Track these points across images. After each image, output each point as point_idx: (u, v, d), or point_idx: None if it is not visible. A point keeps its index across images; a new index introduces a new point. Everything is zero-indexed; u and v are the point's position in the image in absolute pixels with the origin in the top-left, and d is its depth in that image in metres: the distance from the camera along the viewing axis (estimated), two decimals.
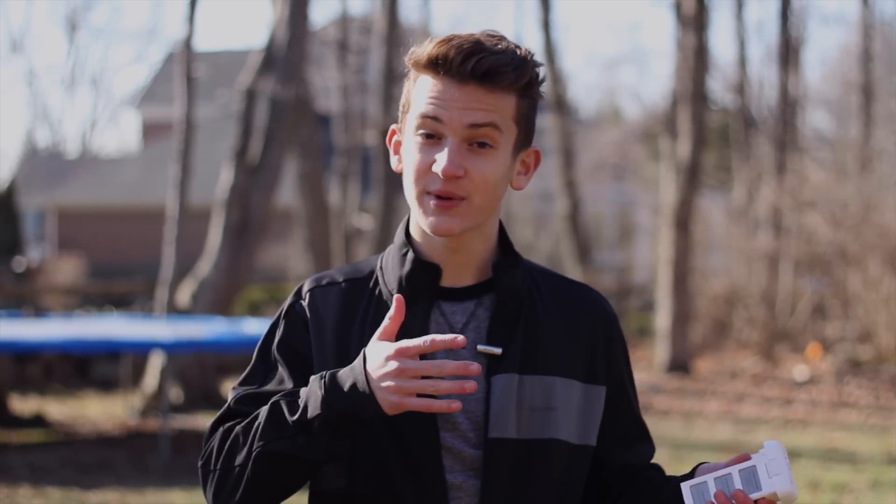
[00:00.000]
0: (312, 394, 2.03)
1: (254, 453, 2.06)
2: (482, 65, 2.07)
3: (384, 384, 1.98)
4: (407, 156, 2.13)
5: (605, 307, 2.28)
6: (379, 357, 1.99)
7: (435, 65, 2.09)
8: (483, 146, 2.09)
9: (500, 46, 2.10)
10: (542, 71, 2.15)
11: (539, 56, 2.17)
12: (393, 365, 1.97)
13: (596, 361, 2.23)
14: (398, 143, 2.20)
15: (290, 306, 2.21)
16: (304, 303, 2.20)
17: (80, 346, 11.52)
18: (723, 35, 56.46)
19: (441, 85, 2.09)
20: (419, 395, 1.99)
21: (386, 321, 2.03)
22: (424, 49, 2.11)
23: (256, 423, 2.08)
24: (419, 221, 2.14)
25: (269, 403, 2.08)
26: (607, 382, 2.24)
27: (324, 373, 2.05)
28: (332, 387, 2.01)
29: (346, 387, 2.00)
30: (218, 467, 2.10)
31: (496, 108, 2.09)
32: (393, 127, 2.22)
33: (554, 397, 2.16)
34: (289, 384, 2.15)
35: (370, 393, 1.99)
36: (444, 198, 2.09)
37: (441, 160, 2.07)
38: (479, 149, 2.09)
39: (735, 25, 21.13)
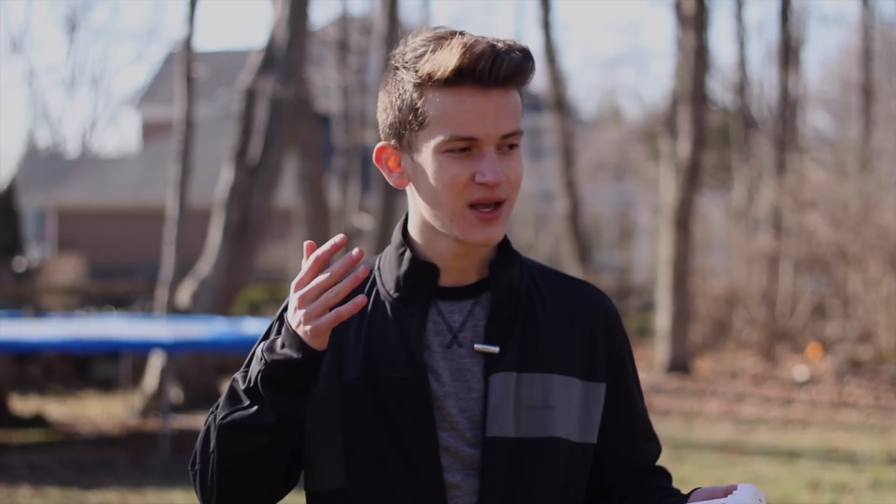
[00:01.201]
0: (255, 360, 2.07)
1: (216, 432, 2.08)
2: (507, 68, 2.06)
3: (297, 322, 2.01)
4: (433, 173, 2.09)
5: (605, 303, 2.26)
6: (291, 298, 2.03)
7: (463, 75, 2.05)
8: (512, 147, 2.10)
9: (501, 45, 2.09)
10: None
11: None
12: (295, 300, 2.01)
13: (596, 358, 2.21)
14: (395, 160, 2.15)
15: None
16: None
17: (80, 346, 11.52)
18: (723, 35, 56.55)
19: (466, 97, 2.06)
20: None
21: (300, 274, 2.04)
22: (442, 62, 2.05)
23: (218, 404, 2.11)
24: (458, 235, 2.11)
25: (229, 384, 2.12)
26: (608, 379, 2.22)
27: (259, 340, 2.10)
28: (269, 346, 2.05)
29: (279, 341, 2.04)
30: (198, 462, 2.12)
31: (516, 108, 2.10)
32: (381, 145, 2.16)
33: (553, 395, 2.15)
34: None
35: (296, 338, 2.01)
36: (486, 206, 2.08)
37: (486, 172, 2.06)
38: (508, 151, 2.10)
39: (735, 25, 21.16)
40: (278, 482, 2.13)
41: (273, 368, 2.03)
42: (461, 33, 2.10)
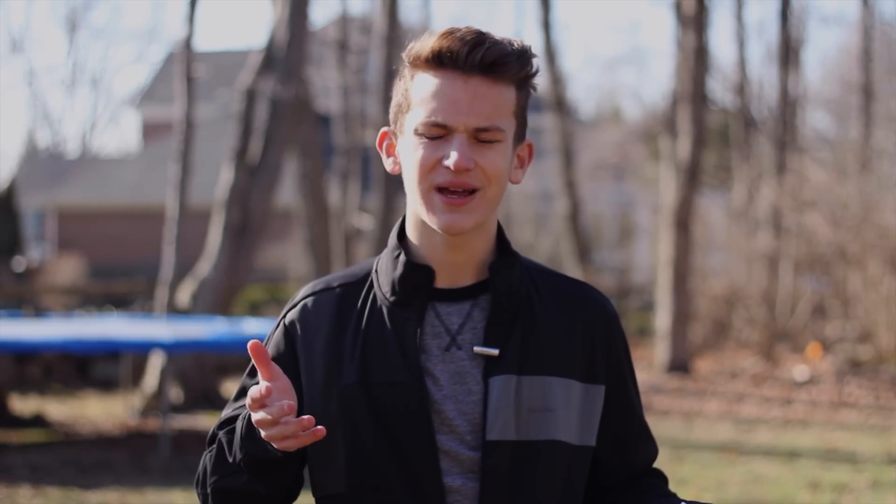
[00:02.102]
0: (236, 436, 2.10)
1: (209, 489, 2.14)
2: (489, 55, 2.05)
3: (265, 434, 2.02)
4: (409, 154, 2.10)
5: (605, 305, 2.25)
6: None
7: (439, 58, 2.06)
8: (491, 140, 2.08)
9: (499, 38, 2.09)
10: (536, 63, 2.14)
11: (539, 56, 2.16)
12: (255, 416, 2.01)
13: (595, 360, 2.20)
14: (391, 146, 2.18)
15: (283, 317, 2.23)
16: (295, 315, 2.21)
17: (80, 346, 11.51)
18: (723, 35, 56.48)
19: (444, 81, 2.07)
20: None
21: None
22: (426, 43, 2.08)
23: (210, 457, 2.15)
24: (427, 220, 2.11)
25: (217, 440, 2.14)
26: (607, 381, 2.22)
27: (245, 413, 2.08)
28: (247, 431, 2.07)
29: (256, 431, 2.05)
30: (199, 493, 2.18)
31: (499, 103, 2.08)
32: (384, 129, 2.19)
33: (553, 398, 2.14)
34: None
35: (266, 442, 2.04)
36: (454, 193, 2.06)
37: (452, 155, 2.05)
38: (486, 143, 2.08)
39: (735, 25, 21.15)
40: None
41: (252, 458, 2.07)
42: (470, 28, 2.10)
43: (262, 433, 2.00)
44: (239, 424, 2.10)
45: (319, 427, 1.98)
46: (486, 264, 2.17)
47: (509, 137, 2.11)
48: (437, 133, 2.07)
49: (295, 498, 2.20)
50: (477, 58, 2.05)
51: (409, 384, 2.10)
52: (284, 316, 2.22)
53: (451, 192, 2.07)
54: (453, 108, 2.06)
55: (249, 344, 2.03)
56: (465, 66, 2.05)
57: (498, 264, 2.16)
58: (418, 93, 2.09)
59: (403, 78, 2.13)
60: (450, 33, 2.07)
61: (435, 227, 2.09)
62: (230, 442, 2.11)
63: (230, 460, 2.10)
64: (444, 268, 2.15)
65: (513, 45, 2.09)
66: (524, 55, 2.09)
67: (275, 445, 2.01)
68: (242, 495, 2.11)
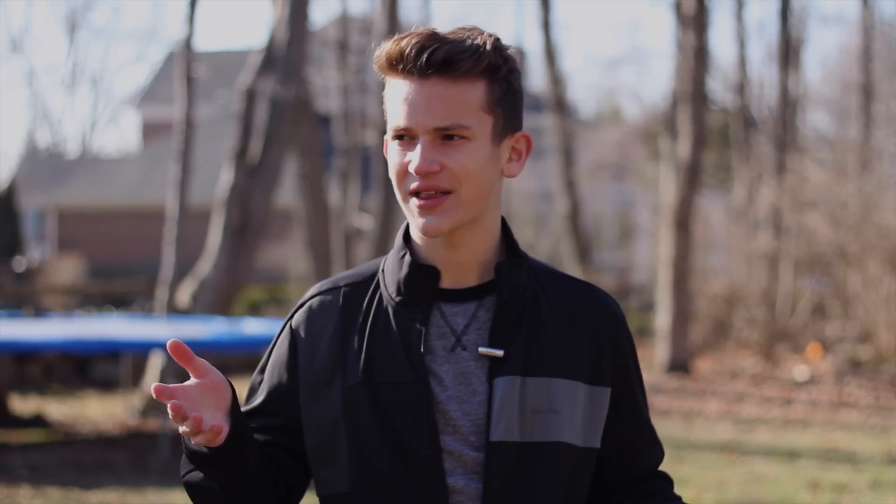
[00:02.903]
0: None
1: (184, 485, 2.17)
2: (437, 55, 2.04)
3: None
4: (389, 161, 2.12)
5: (612, 308, 2.25)
6: None
7: (393, 64, 2.08)
8: (457, 138, 2.07)
9: (456, 36, 2.08)
10: (511, 53, 2.11)
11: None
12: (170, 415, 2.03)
13: (601, 362, 2.20)
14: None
15: (290, 319, 2.24)
16: (301, 315, 2.21)
17: (80, 346, 11.51)
18: (723, 35, 56.52)
19: (404, 86, 2.08)
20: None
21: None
22: (383, 50, 2.09)
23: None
24: (412, 225, 2.13)
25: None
26: (613, 384, 2.21)
27: None
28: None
29: None
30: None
31: (460, 99, 2.06)
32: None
33: (557, 399, 2.13)
34: (258, 399, 2.21)
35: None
36: (425, 196, 2.07)
37: (414, 159, 2.06)
38: (451, 141, 2.07)
39: (735, 25, 21.15)
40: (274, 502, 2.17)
41: (192, 454, 2.09)
42: (424, 28, 2.10)
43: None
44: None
45: (214, 424, 2.00)
46: (491, 265, 2.17)
47: (481, 134, 2.08)
48: (403, 136, 2.09)
49: (300, 498, 2.21)
50: (425, 59, 2.05)
51: (413, 384, 2.10)
52: (291, 317, 2.23)
53: (423, 195, 2.08)
54: (412, 111, 2.06)
55: (169, 343, 2.06)
56: (417, 69, 2.06)
57: (504, 265, 2.16)
58: (388, 99, 2.12)
59: (385, 84, 2.15)
60: (402, 38, 2.08)
61: (417, 230, 2.12)
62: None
63: (185, 455, 2.13)
64: (448, 268, 2.15)
65: (470, 40, 2.07)
66: (479, 49, 2.06)
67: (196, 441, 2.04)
68: (205, 491, 2.13)
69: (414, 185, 2.07)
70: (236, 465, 2.08)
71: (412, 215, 2.10)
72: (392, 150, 2.11)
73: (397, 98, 2.09)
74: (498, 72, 2.09)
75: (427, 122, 2.05)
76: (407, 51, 2.05)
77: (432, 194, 2.07)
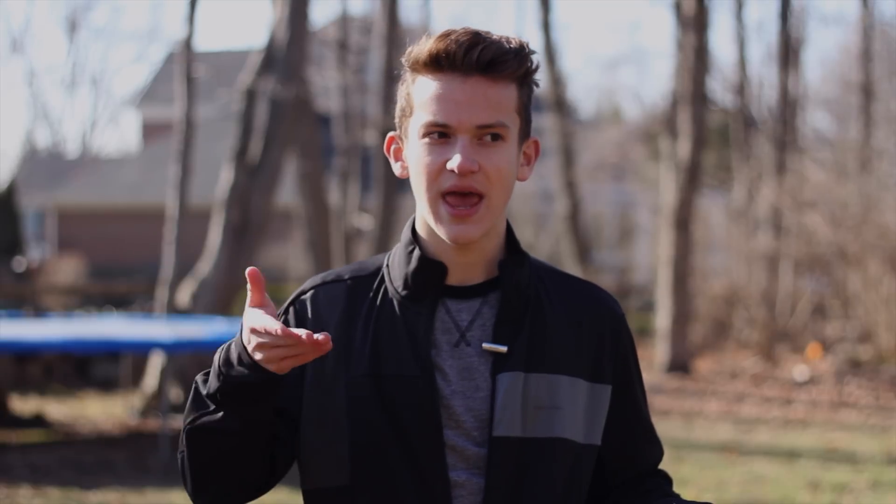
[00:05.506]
0: (213, 367, 2.05)
1: (185, 434, 2.09)
2: (485, 55, 2.06)
3: (253, 349, 1.98)
4: (416, 159, 2.11)
5: (612, 306, 2.27)
6: (245, 328, 1.99)
7: (437, 61, 2.07)
8: (495, 139, 2.09)
9: (496, 37, 2.10)
10: (536, 59, 2.14)
11: (539, 56, 2.16)
12: (254, 340, 1.96)
13: (602, 360, 2.21)
14: (399, 150, 2.19)
15: (290, 304, 2.22)
16: (306, 300, 2.20)
17: (80, 346, 11.51)
18: (723, 35, 56.53)
19: (444, 83, 2.08)
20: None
21: (249, 292, 2.02)
22: (424, 47, 2.09)
23: (188, 401, 2.10)
24: (435, 228, 2.12)
25: (194, 383, 2.11)
26: (613, 382, 2.23)
27: (223, 345, 2.06)
28: (225, 359, 2.02)
29: (235, 357, 2.01)
30: (180, 463, 2.13)
31: (501, 100, 2.08)
32: (391, 134, 2.20)
33: (560, 396, 2.15)
34: None
35: (251, 361, 1.98)
36: (461, 203, 2.07)
37: (455, 157, 2.06)
38: (490, 142, 2.08)
39: (735, 25, 21.13)
40: (258, 476, 2.12)
41: (230, 385, 2.01)
42: (467, 29, 2.11)
43: (260, 356, 1.96)
44: (216, 357, 2.06)
45: (321, 336, 1.91)
46: (495, 262, 2.18)
47: (513, 135, 2.11)
48: (440, 133, 2.08)
49: (275, 483, 2.18)
50: (474, 57, 2.06)
51: (419, 378, 2.10)
52: (294, 301, 2.21)
53: (458, 199, 2.07)
54: (454, 108, 2.06)
55: (248, 270, 2.01)
56: (463, 67, 2.06)
57: (507, 262, 2.17)
58: (419, 96, 2.10)
59: (405, 82, 2.14)
60: (446, 35, 2.08)
61: (443, 237, 2.11)
62: (206, 380, 2.08)
63: (205, 393, 2.05)
64: (454, 266, 2.16)
65: (510, 42, 2.10)
66: (521, 52, 2.10)
67: (270, 368, 1.97)
68: (217, 433, 2.04)
69: (449, 184, 2.07)
70: (268, 404, 2.03)
71: (439, 220, 2.09)
72: (420, 148, 2.10)
73: (432, 95, 2.08)
74: (529, 76, 2.12)
75: (471, 119, 2.06)
76: (454, 48, 2.06)
77: (466, 201, 2.07)
